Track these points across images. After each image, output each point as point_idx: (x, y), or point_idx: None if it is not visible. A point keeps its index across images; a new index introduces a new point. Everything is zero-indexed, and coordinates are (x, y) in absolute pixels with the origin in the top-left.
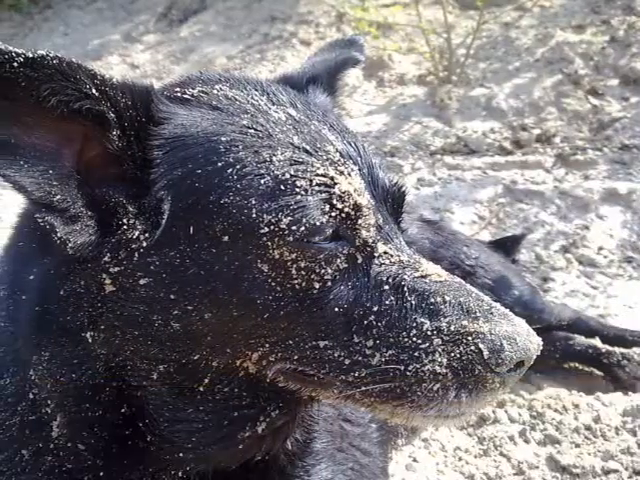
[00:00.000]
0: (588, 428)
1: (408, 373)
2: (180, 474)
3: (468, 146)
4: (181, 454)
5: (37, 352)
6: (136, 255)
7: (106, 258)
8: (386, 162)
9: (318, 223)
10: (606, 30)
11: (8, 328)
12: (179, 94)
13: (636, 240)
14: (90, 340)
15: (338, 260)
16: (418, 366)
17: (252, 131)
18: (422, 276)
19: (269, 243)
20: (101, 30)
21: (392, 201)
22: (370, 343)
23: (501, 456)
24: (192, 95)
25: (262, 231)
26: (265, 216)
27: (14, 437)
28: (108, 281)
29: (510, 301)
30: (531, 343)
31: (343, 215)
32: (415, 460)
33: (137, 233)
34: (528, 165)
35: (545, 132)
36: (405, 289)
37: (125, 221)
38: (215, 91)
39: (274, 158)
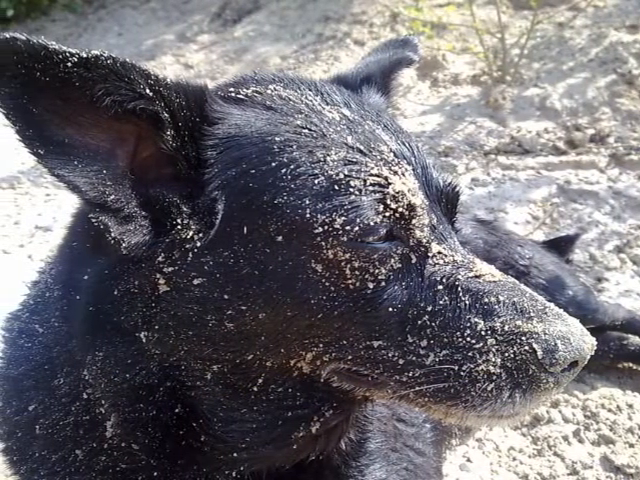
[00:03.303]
0: None
1: (462, 373)
2: (234, 474)
3: (522, 146)
4: (235, 454)
5: (91, 352)
6: (190, 255)
7: (160, 258)
8: (440, 162)
9: (372, 223)
10: None
11: (62, 328)
12: (233, 94)
13: None
14: (144, 340)
15: (392, 260)
16: (472, 366)
17: (306, 131)
18: (476, 276)
19: (323, 243)
20: (155, 30)
21: (446, 201)
22: (424, 343)
23: (555, 456)
24: (246, 95)
25: (316, 231)
26: (319, 216)
27: (68, 437)
28: (162, 281)
29: (564, 301)
30: (585, 343)
31: (397, 215)
32: (469, 460)
33: (191, 233)
34: (582, 165)
35: (599, 132)
36: (459, 289)
37: (179, 221)
38: (269, 91)
39: (328, 158)
